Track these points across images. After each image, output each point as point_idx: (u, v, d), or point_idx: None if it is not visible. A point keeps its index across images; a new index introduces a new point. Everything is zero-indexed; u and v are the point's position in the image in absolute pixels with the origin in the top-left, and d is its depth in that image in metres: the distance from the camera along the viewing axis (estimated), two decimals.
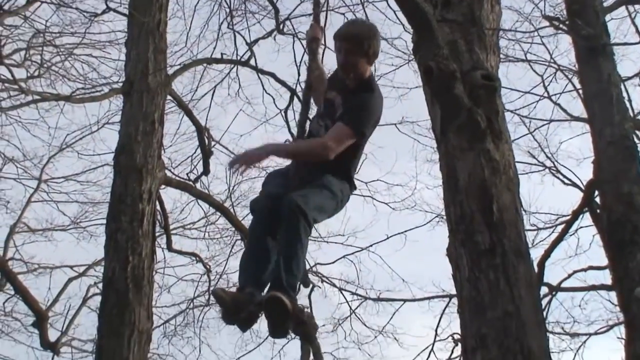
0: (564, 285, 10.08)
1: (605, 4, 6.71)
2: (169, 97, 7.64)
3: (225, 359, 13.13)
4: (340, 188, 3.54)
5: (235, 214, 10.57)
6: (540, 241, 11.06)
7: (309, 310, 3.37)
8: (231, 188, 12.34)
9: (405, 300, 11.86)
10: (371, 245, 11.19)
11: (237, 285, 3.46)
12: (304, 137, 3.60)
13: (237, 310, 3.28)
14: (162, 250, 10.93)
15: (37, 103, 8.81)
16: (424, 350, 11.26)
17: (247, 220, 12.70)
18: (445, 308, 11.15)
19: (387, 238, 11.62)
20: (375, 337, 11.75)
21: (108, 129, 10.41)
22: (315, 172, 3.49)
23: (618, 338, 10.00)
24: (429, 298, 11.83)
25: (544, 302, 10.04)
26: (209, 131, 9.87)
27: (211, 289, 12.19)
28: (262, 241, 3.46)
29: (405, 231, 11.74)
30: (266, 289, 3.32)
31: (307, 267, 3.57)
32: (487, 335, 3.36)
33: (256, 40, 9.13)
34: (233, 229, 11.40)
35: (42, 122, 10.84)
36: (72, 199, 11.32)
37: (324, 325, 10.21)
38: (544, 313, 8.92)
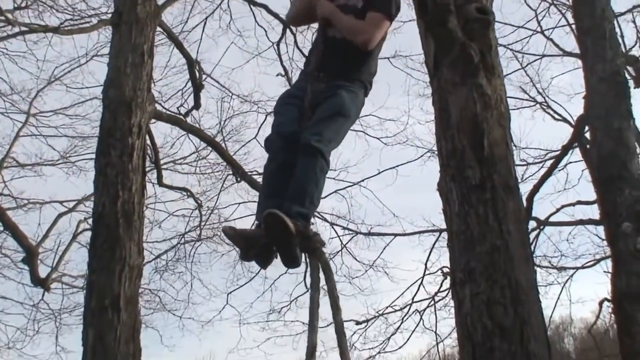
0: (552, 219, 10.22)
1: None
2: (158, 28, 7.51)
3: (217, 293, 13.20)
4: (356, 104, 3.63)
5: (226, 149, 10.60)
6: (530, 176, 11.16)
7: (315, 230, 3.35)
8: (222, 122, 12.28)
9: (395, 235, 12.10)
10: (362, 180, 11.58)
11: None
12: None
13: (249, 246, 3.29)
14: (153, 185, 10.95)
15: (24, 35, 8.69)
16: (413, 283, 11.50)
17: (239, 156, 12.71)
18: (435, 242, 11.46)
19: (379, 173, 11.79)
20: (366, 271, 12.04)
21: (97, 61, 10.33)
22: (331, 84, 3.61)
23: (604, 272, 10.21)
24: (419, 232, 12.22)
25: (532, 236, 10.17)
26: (200, 64, 9.80)
27: (204, 225, 12.27)
28: (277, 179, 3.46)
29: (397, 166, 11.88)
30: None
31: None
32: (476, 269, 3.40)
33: None
34: (224, 164, 11.53)
35: (30, 54, 10.74)
36: (61, 133, 11.25)
37: None
38: (532, 247, 9.04)
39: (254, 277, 12.36)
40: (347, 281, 12.34)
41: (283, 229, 3.20)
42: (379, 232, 11.75)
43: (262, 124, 12.16)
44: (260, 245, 3.27)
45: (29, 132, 10.99)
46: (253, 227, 3.42)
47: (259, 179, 11.47)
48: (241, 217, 12.68)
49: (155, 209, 12.75)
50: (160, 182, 9.88)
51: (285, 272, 11.68)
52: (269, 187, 3.49)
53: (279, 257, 3.33)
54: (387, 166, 12.22)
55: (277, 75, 11.51)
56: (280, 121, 3.65)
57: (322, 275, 3.46)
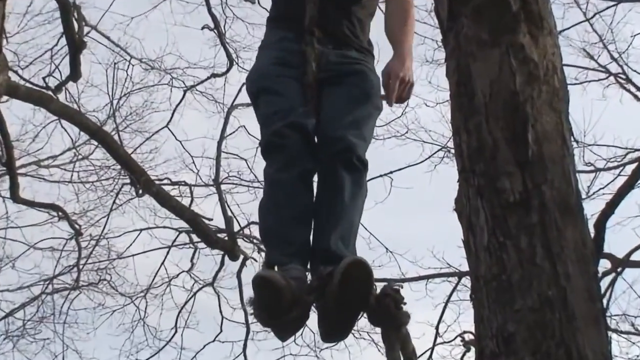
0: (634, 257, 9.33)
1: None
2: None
3: None
4: (377, 82, 3.83)
5: (121, 144, 10.32)
6: (600, 189, 10.28)
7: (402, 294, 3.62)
8: (115, 102, 11.39)
9: (389, 281, 11.61)
10: None
11: (261, 263, 3.94)
12: None
13: (294, 304, 3.38)
14: (3, 200, 10.18)
15: None
16: (420, 356, 10.78)
17: (141, 154, 12.16)
18: (451, 294, 11.01)
19: None
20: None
21: None
22: (345, 54, 3.74)
23: None
24: (426, 277, 11.50)
25: (605, 283, 9.28)
26: (80, 11, 8.83)
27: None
28: (304, 197, 3.59)
29: (392, 172, 11.33)
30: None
31: None
32: (516, 335, 3.14)
33: None
34: (118, 167, 11.12)
35: None
36: None
37: None
38: (605, 300, 8.22)
39: (165, 346, 12.08)
40: (312, 354, 11.88)
41: (368, 288, 3.41)
42: None
43: (178, 105, 11.73)
44: (303, 303, 3.39)
45: None
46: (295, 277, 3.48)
47: (174, 191, 11.43)
48: (145, 252, 12.37)
49: (5, 237, 11.91)
50: (14, 196, 8.88)
51: (214, 340, 11.78)
52: (296, 209, 3.58)
53: (323, 320, 3.49)
54: (375, 173, 11.50)
55: (203, 28, 10.65)
56: (286, 106, 3.66)
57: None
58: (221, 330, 11.61)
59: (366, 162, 3.70)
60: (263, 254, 3.76)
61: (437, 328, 10.79)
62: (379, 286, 3.71)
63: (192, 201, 11.33)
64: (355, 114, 3.71)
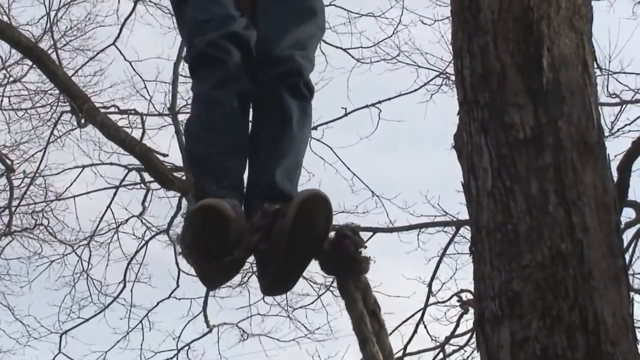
0: None
1: None
2: None
3: (42, 332, 12.87)
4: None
5: (60, 64, 10.06)
6: (626, 125, 10.30)
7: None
8: (54, 15, 11.32)
9: (375, 230, 11.51)
10: (315, 128, 11.20)
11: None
12: None
13: (237, 244, 3.37)
14: None
15: None
16: (407, 319, 10.87)
17: (83, 77, 12.17)
18: (447, 246, 11.16)
19: (345, 115, 11.29)
20: (319, 296, 12.01)
21: None
22: None
23: None
24: (418, 226, 11.55)
25: (628, 236, 9.32)
26: None
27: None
28: (241, 124, 3.62)
29: (379, 102, 11.36)
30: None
31: None
32: (522, 295, 3.14)
33: None
34: (56, 91, 11.19)
35: None
36: None
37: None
38: (627, 257, 8.21)
39: (112, 303, 12.15)
40: (284, 314, 12.09)
41: (325, 228, 3.41)
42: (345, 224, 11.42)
43: (127, 19, 11.63)
44: (249, 246, 3.36)
45: None
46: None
47: (123, 121, 11.50)
48: (88, 193, 12.31)
49: None
50: None
51: (169, 297, 11.84)
52: (235, 135, 3.59)
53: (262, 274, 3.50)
54: (360, 103, 11.68)
55: None
56: (221, 13, 3.64)
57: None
58: (177, 286, 11.73)
59: (313, 89, 3.73)
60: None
61: (429, 286, 10.91)
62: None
63: (143, 133, 11.21)
64: (301, 32, 3.71)
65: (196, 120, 3.65)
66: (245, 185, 3.63)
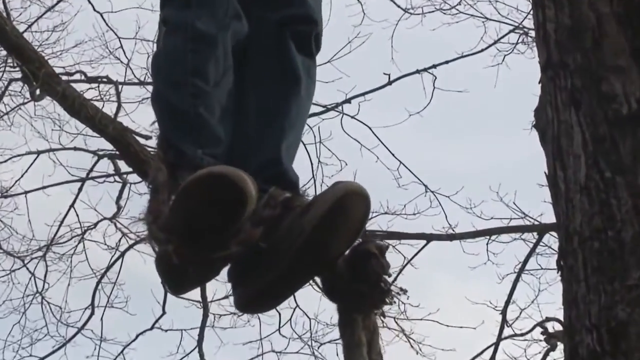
0: None
1: None
2: None
3: None
4: None
5: (9, 16, 10.40)
6: None
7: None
8: None
9: (430, 238, 11.66)
10: (347, 101, 11.53)
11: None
12: None
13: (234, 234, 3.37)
14: None
15: None
16: (474, 358, 10.93)
17: (35, 34, 12.33)
18: (527, 259, 11.09)
19: (389, 84, 11.22)
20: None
21: None
22: None
23: None
24: (487, 233, 11.67)
25: None
26: None
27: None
28: (234, 69, 3.66)
29: (433, 67, 11.29)
30: None
31: None
32: (629, 326, 3.08)
33: None
34: (3, 53, 11.24)
35: None
36: None
37: None
38: None
39: (75, 335, 12.07)
40: (307, 350, 12.35)
41: (353, 236, 3.43)
42: (383, 231, 11.56)
43: None
44: (248, 239, 3.34)
45: None
46: None
47: (92, 92, 11.41)
48: (44, 188, 12.34)
49: None
50: None
51: (152, 328, 11.75)
52: (225, 90, 3.63)
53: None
54: (409, 67, 11.54)
55: None
56: None
57: None
58: (164, 312, 11.69)
59: (320, 47, 3.79)
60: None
61: (504, 313, 10.95)
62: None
63: (119, 108, 11.12)
64: None
65: (174, 57, 3.63)
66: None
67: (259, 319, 11.78)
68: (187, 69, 3.55)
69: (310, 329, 11.95)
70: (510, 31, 11.68)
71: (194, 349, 11.54)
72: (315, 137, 11.74)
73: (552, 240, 10.55)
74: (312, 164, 11.92)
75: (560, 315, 3.66)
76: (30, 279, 12.24)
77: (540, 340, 10.92)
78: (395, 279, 11.97)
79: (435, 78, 11.22)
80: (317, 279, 3.58)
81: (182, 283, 3.54)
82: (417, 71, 11.25)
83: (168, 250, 3.34)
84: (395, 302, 3.47)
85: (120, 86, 11.55)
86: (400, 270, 11.85)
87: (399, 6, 12.18)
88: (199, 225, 3.27)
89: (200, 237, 3.31)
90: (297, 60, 3.68)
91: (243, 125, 3.63)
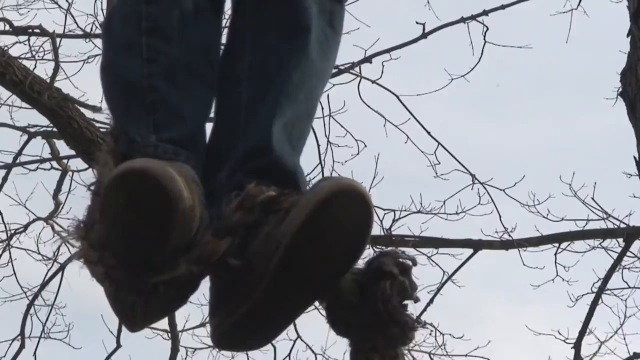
0: None
1: None
2: None
3: None
4: None
5: None
6: None
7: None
8: None
9: (478, 246, 11.76)
10: (370, 59, 11.46)
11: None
12: None
13: (181, 249, 3.35)
14: None
15: None
16: None
17: None
18: (610, 273, 10.94)
19: (423, 37, 11.26)
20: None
21: None
22: None
23: None
24: (556, 238, 11.63)
25: None
26: None
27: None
28: (205, 13, 3.70)
29: (483, 14, 11.48)
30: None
31: None
32: None
33: None
34: None
35: None
36: None
37: None
38: None
39: None
40: None
41: (353, 250, 3.38)
42: (415, 236, 11.80)
43: None
44: (208, 255, 3.31)
45: None
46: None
47: (20, 47, 11.41)
48: None
49: None
50: None
51: None
52: (192, 49, 3.68)
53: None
54: (450, 15, 11.60)
55: None
56: None
57: None
58: (118, 345, 11.65)
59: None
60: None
61: (577, 346, 10.95)
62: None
63: (57, 69, 11.13)
64: None
65: (125, 12, 3.61)
66: (208, 142, 3.62)
67: (247, 354, 11.74)
68: (141, 26, 3.55)
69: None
70: None
71: None
72: (322, 109, 11.66)
73: None
74: (318, 145, 11.70)
75: None
76: None
77: None
78: (431, 301, 11.98)
79: (487, 29, 11.17)
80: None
81: (135, 316, 3.46)
82: (462, 19, 11.13)
83: (98, 274, 3.32)
84: (423, 335, 3.41)
85: (58, 39, 11.44)
86: (439, 290, 11.85)
87: None
88: (131, 238, 3.24)
89: (137, 254, 3.27)
90: (306, 1, 3.64)
91: (232, 97, 3.62)
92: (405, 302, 3.35)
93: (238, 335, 3.45)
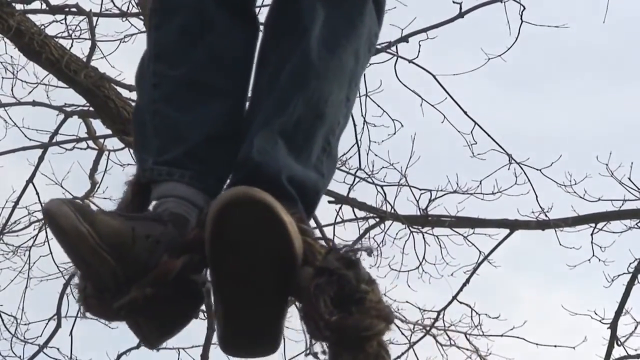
0: None
1: None
2: None
3: None
4: None
5: None
6: None
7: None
8: None
9: (514, 226, 11.77)
10: (407, 39, 11.41)
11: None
12: None
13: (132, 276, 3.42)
14: None
15: None
16: None
17: None
18: None
19: (460, 16, 11.24)
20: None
21: None
22: None
23: None
24: (592, 219, 11.67)
25: None
26: None
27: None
28: (228, 30, 3.74)
29: None
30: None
31: None
32: None
33: None
34: None
35: None
36: None
37: None
38: None
39: (35, 356, 12.04)
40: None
41: (272, 252, 3.40)
42: (451, 216, 11.99)
43: None
44: (162, 274, 3.39)
45: None
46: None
47: (56, 27, 11.28)
48: None
49: None
50: None
51: (138, 347, 11.76)
52: (194, 66, 3.70)
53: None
54: None
55: None
56: None
57: None
58: None
59: None
60: None
61: (613, 327, 11.01)
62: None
63: (93, 48, 11.06)
64: None
65: (145, 49, 3.68)
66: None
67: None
68: (151, 55, 3.63)
69: None
70: None
71: None
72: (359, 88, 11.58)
73: None
74: (354, 124, 11.67)
75: None
76: None
77: None
78: (467, 281, 11.95)
79: (524, 8, 11.16)
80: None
81: (142, 336, 3.61)
82: None
83: (79, 300, 3.47)
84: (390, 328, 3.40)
85: (95, 18, 11.39)
86: (475, 270, 11.81)
87: None
88: (80, 270, 3.36)
89: (96, 284, 3.37)
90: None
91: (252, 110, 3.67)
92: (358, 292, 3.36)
93: (240, 340, 3.54)
